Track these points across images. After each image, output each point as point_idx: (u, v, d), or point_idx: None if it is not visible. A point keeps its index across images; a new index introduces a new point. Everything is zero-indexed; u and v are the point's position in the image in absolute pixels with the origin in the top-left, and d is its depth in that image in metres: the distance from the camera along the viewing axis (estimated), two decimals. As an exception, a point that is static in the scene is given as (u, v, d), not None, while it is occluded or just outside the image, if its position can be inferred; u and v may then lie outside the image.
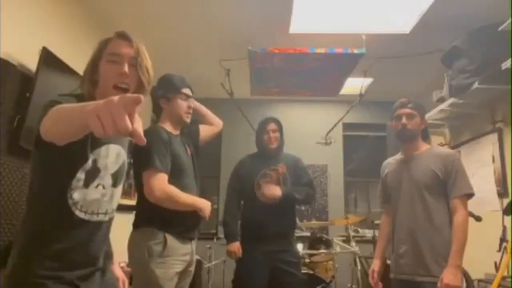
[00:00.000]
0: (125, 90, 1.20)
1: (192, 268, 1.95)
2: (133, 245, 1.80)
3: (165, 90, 1.94)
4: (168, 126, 1.94)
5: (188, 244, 1.87)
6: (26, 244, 1.12)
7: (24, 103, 2.15)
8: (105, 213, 1.23)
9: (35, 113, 2.21)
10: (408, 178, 2.06)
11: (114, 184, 1.26)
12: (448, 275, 1.80)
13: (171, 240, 1.77)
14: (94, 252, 1.22)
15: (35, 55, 2.24)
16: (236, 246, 2.56)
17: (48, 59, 2.31)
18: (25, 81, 2.20)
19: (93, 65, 1.24)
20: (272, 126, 2.70)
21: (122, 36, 1.25)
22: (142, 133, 0.74)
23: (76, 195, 1.13)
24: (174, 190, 1.77)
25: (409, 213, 2.02)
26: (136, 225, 1.83)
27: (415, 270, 1.94)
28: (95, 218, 1.19)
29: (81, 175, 1.14)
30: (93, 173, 1.17)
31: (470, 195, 1.94)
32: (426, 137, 2.15)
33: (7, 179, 2.08)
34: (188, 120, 1.98)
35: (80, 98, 1.19)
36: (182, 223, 1.83)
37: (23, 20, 2.29)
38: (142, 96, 0.70)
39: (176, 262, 1.79)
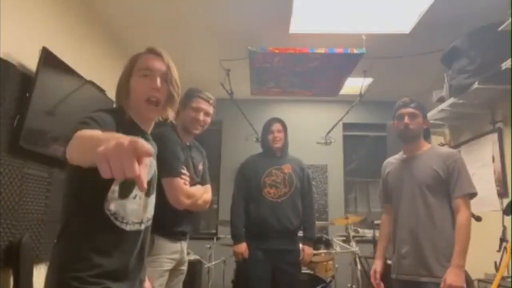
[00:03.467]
0: (157, 103, 1.27)
1: (184, 267, 1.98)
2: None
3: (182, 98, 2.00)
4: (180, 131, 2.01)
5: (177, 242, 1.90)
6: (67, 252, 1.13)
7: (24, 103, 2.15)
8: (141, 223, 1.27)
9: (35, 113, 2.21)
10: (410, 177, 2.05)
11: (147, 194, 1.30)
12: (451, 276, 1.80)
13: (158, 239, 1.81)
14: (134, 260, 1.24)
15: (35, 55, 2.23)
16: (243, 247, 2.61)
17: (48, 59, 2.30)
18: (25, 81, 2.19)
19: (125, 80, 1.29)
20: (277, 126, 2.79)
21: (154, 52, 1.31)
22: (145, 182, 0.74)
23: (113, 206, 1.16)
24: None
25: (411, 213, 2.02)
26: None
27: (417, 271, 1.94)
28: (131, 227, 1.23)
29: (115, 187, 1.16)
30: (130, 185, 1.20)
31: (473, 195, 1.94)
32: (427, 137, 2.15)
33: (7, 179, 2.07)
34: (196, 132, 2.02)
35: (115, 112, 1.24)
36: (170, 222, 1.85)
37: (23, 20, 2.28)
38: (152, 150, 0.71)
39: (165, 260, 1.83)
